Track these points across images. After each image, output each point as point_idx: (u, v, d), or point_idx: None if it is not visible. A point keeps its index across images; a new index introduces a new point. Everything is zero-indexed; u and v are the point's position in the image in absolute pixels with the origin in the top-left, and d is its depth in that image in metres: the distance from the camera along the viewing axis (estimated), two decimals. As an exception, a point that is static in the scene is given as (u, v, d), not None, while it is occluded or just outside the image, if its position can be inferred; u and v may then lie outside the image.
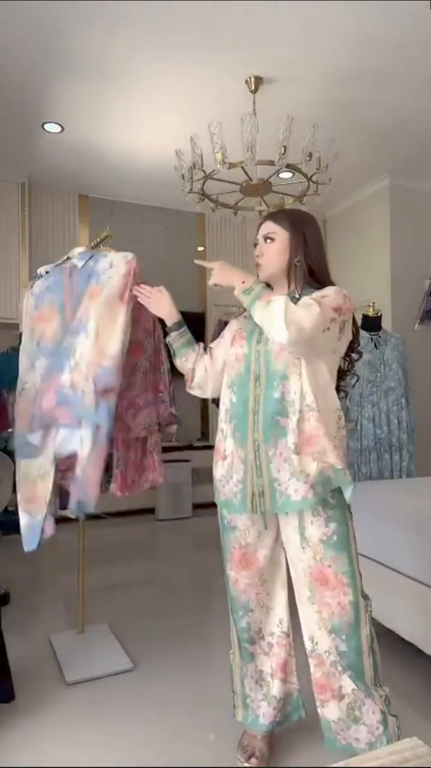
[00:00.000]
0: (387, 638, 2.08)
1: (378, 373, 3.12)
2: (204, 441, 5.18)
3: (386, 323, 3.99)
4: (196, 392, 1.71)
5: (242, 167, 3.01)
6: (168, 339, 1.69)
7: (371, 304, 3.24)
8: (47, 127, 3.80)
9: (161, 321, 1.76)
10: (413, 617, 2.01)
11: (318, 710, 1.52)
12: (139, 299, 1.75)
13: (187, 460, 4.88)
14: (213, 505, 1.63)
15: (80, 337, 1.80)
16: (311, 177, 3.15)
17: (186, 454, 4.93)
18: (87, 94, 3.40)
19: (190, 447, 5.02)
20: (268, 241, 1.55)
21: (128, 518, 4.66)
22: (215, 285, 1.55)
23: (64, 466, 1.92)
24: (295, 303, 1.44)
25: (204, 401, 1.64)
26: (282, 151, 2.90)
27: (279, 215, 1.59)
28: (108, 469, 2.11)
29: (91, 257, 1.96)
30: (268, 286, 1.60)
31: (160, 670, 2.18)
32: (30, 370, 1.97)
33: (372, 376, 3.10)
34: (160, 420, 2.19)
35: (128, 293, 1.77)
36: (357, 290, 3.99)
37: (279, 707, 1.64)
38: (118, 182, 4.74)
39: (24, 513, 1.95)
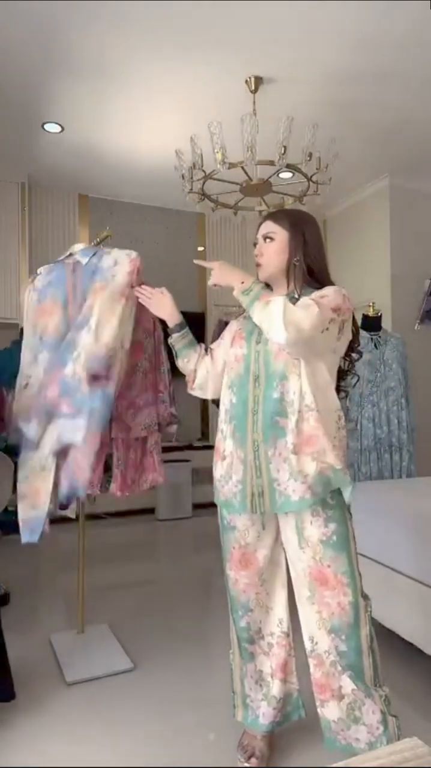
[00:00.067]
0: (387, 638, 2.08)
1: (378, 373, 3.12)
2: (204, 441, 5.18)
3: (386, 323, 4.00)
4: (197, 393, 1.71)
5: (242, 167, 3.01)
6: (170, 340, 1.70)
7: (371, 304, 3.24)
8: (47, 127, 3.80)
9: (162, 322, 1.76)
10: (413, 617, 2.01)
11: (318, 710, 1.52)
12: (140, 300, 1.76)
13: (187, 460, 4.88)
14: (213, 505, 1.63)
15: (83, 331, 1.84)
16: (311, 177, 3.15)
17: (186, 454, 4.93)
18: (87, 94, 3.40)
19: (190, 447, 5.02)
20: (267, 240, 1.55)
21: (128, 518, 4.66)
22: (215, 285, 1.55)
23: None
24: (294, 303, 1.44)
25: (204, 401, 1.64)
26: (282, 151, 2.90)
27: (279, 215, 1.59)
28: (108, 469, 2.12)
29: (94, 254, 1.99)
30: (267, 286, 1.60)
31: (160, 670, 2.18)
32: (33, 363, 1.99)
33: (372, 376, 3.10)
34: (160, 420, 2.19)
35: (129, 289, 1.82)
36: (357, 290, 4.00)
37: (279, 707, 1.64)
38: (118, 182, 4.74)
39: (26, 505, 1.97)
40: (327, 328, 1.39)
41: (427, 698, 1.94)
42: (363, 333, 2.99)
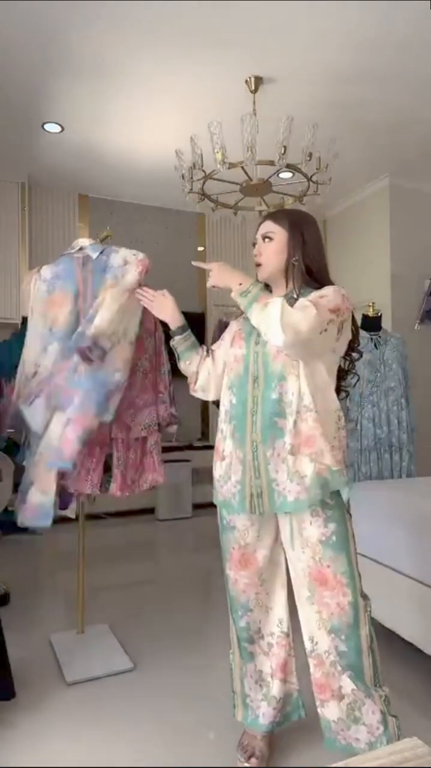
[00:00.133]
0: (387, 638, 2.08)
1: (378, 373, 3.12)
2: (204, 441, 5.18)
3: (386, 323, 3.99)
4: (199, 395, 1.71)
5: (242, 167, 3.01)
6: (172, 343, 1.70)
7: (371, 304, 3.24)
8: (47, 127, 3.80)
9: (164, 324, 1.77)
10: (413, 617, 2.01)
11: (318, 710, 1.52)
12: (142, 303, 1.77)
13: (187, 460, 4.88)
14: (213, 505, 1.63)
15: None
16: (311, 177, 3.15)
17: (186, 454, 4.93)
18: (87, 94, 3.40)
19: (190, 447, 5.02)
20: (266, 240, 1.56)
21: (128, 518, 4.66)
22: (213, 287, 1.55)
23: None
24: (293, 302, 1.44)
25: (204, 401, 1.66)
26: (282, 151, 2.90)
27: (278, 215, 1.60)
28: (108, 469, 2.12)
29: (103, 251, 2.05)
30: (267, 287, 1.60)
31: (160, 670, 2.18)
32: (42, 353, 2.01)
33: (372, 376, 3.10)
34: (160, 420, 2.19)
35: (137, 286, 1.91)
36: (356, 290, 4.00)
37: (279, 707, 1.64)
38: (118, 182, 4.73)
39: (36, 491, 1.98)
40: (326, 330, 1.39)
41: (427, 698, 1.94)
42: (363, 333, 2.98)
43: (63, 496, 2.14)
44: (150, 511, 4.80)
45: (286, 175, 3.37)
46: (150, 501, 4.71)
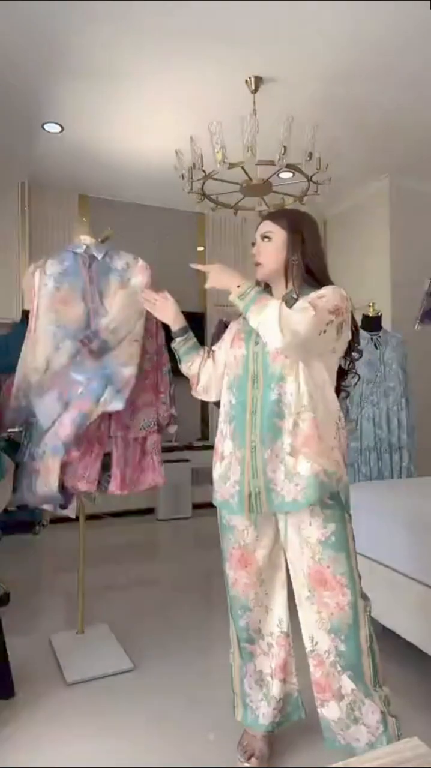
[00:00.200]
0: (386, 638, 2.08)
1: (378, 373, 3.12)
2: (204, 441, 5.18)
3: (386, 323, 3.99)
4: (201, 396, 1.72)
5: (242, 167, 3.01)
6: (173, 345, 1.70)
7: (371, 304, 3.24)
8: (47, 127, 3.79)
9: (165, 325, 1.77)
10: (413, 617, 2.01)
11: (318, 710, 1.52)
12: (144, 305, 1.77)
13: (187, 460, 4.88)
14: (213, 505, 1.63)
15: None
16: (311, 177, 3.15)
17: (186, 454, 4.93)
18: (87, 94, 3.40)
19: (190, 447, 5.02)
20: (265, 240, 1.56)
21: (128, 518, 4.66)
22: (211, 288, 1.56)
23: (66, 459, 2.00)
24: (293, 302, 1.44)
25: (204, 402, 1.66)
26: (282, 151, 2.90)
27: (277, 215, 1.60)
28: (105, 467, 2.12)
29: (106, 253, 2.12)
30: (266, 287, 1.61)
31: (160, 670, 2.18)
32: (55, 352, 2.03)
33: (372, 376, 3.10)
34: (160, 421, 2.19)
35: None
36: (356, 290, 3.98)
37: (279, 707, 1.64)
38: (118, 182, 4.73)
39: (41, 483, 2.03)
40: (325, 330, 1.39)
41: (427, 698, 1.94)
42: (363, 333, 2.98)
43: (63, 495, 2.14)
44: (150, 511, 4.80)
45: (286, 175, 3.37)
46: (150, 501, 4.71)
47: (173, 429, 2.26)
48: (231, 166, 2.96)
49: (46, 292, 2.06)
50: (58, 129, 3.82)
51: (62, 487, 2.02)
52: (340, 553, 1.44)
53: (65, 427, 1.94)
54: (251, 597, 1.60)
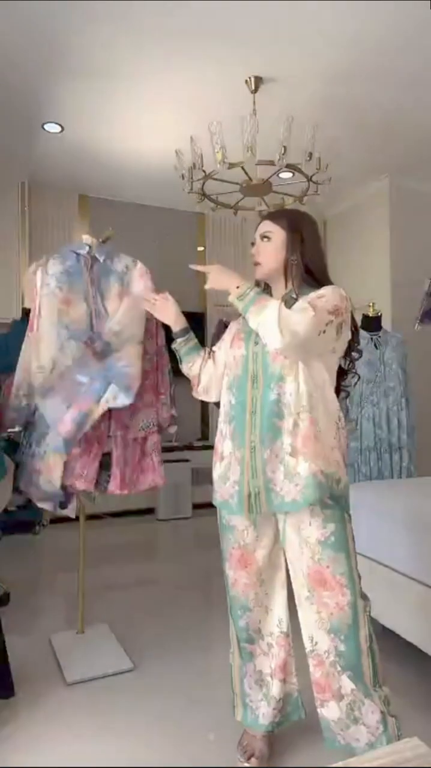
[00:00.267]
0: (386, 638, 2.08)
1: (378, 373, 3.11)
2: (204, 441, 5.17)
3: (386, 323, 3.99)
4: (202, 397, 1.72)
5: (242, 167, 3.01)
6: (174, 345, 1.71)
7: (371, 304, 3.24)
8: (47, 127, 3.79)
9: (166, 326, 1.77)
10: (413, 617, 2.01)
11: (318, 710, 1.52)
12: (145, 306, 1.77)
13: (187, 460, 4.88)
14: (213, 505, 1.63)
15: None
16: (311, 177, 3.15)
17: (186, 454, 4.93)
18: (87, 94, 3.40)
19: (190, 447, 5.02)
20: (265, 239, 1.56)
21: (128, 518, 4.66)
22: (211, 289, 1.56)
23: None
24: (293, 302, 1.44)
25: (204, 402, 1.67)
26: (282, 151, 2.90)
27: (277, 215, 1.61)
28: (103, 467, 2.12)
29: (107, 255, 2.14)
30: (266, 287, 1.61)
31: (160, 670, 2.18)
32: (60, 352, 2.04)
33: (371, 376, 3.10)
34: (161, 421, 2.19)
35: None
36: (356, 290, 3.99)
37: (279, 707, 1.64)
38: (118, 182, 4.73)
39: (44, 480, 2.04)
40: (324, 331, 1.39)
41: (427, 698, 1.94)
42: (363, 333, 2.98)
43: (62, 494, 2.14)
44: (150, 511, 4.80)
45: (286, 175, 3.37)
46: (150, 501, 4.71)
47: (173, 429, 2.26)
48: (231, 166, 2.96)
49: (48, 291, 2.07)
50: (58, 129, 3.82)
51: (62, 485, 2.02)
52: (340, 553, 1.44)
53: (65, 424, 1.95)
54: (251, 597, 1.60)
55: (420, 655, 2.02)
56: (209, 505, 1.68)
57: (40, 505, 2.12)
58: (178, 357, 1.71)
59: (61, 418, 1.97)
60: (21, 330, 2.11)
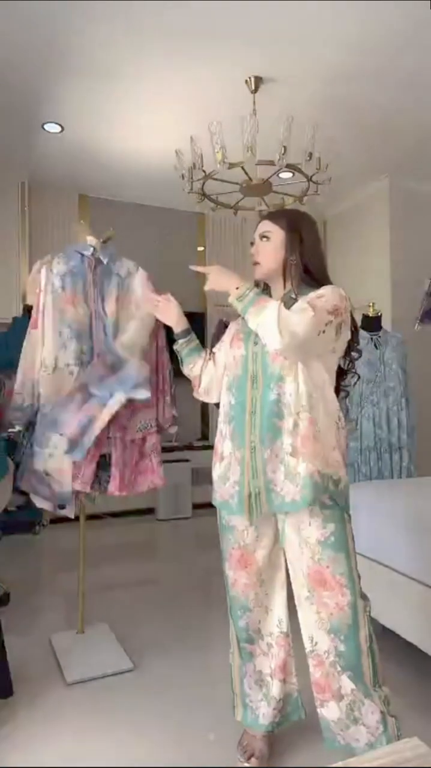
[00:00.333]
0: (386, 638, 2.08)
1: (378, 373, 3.11)
2: (204, 441, 5.17)
3: (386, 323, 3.99)
4: (203, 398, 1.72)
5: (242, 167, 3.00)
6: (176, 346, 1.71)
7: (371, 304, 3.24)
8: (47, 127, 3.79)
9: (167, 327, 1.78)
10: (413, 617, 2.01)
11: (318, 710, 1.52)
12: (147, 306, 1.78)
13: (187, 460, 4.88)
14: (213, 505, 1.63)
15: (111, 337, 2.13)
16: (311, 177, 3.15)
17: (186, 454, 4.93)
18: (87, 94, 3.40)
19: (190, 447, 5.02)
20: (264, 239, 1.56)
21: (128, 518, 4.66)
22: (211, 290, 1.56)
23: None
24: (292, 302, 1.44)
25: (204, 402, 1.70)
26: (282, 151, 2.90)
27: (276, 215, 1.60)
28: (107, 468, 2.12)
29: (110, 257, 2.18)
30: (266, 287, 1.61)
31: (160, 670, 2.18)
32: (62, 350, 2.07)
33: (372, 376, 3.10)
34: (162, 421, 2.20)
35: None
36: (356, 290, 3.99)
37: (279, 707, 1.64)
38: (118, 182, 4.73)
39: (54, 483, 2.07)
40: (324, 331, 1.39)
41: (427, 698, 1.94)
42: (363, 333, 2.98)
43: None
44: (150, 511, 4.80)
45: (286, 175, 3.37)
46: (150, 501, 4.71)
47: (174, 430, 2.26)
48: (231, 166, 2.96)
49: (52, 290, 2.08)
50: (58, 129, 3.82)
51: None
52: (339, 553, 1.44)
53: (70, 427, 1.98)
54: (251, 597, 1.60)
55: (419, 655, 2.02)
56: (209, 505, 1.68)
57: (39, 505, 2.12)
58: (179, 358, 1.71)
59: (69, 423, 2.00)
60: (22, 327, 2.11)
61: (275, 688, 1.63)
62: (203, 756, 1.67)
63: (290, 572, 1.55)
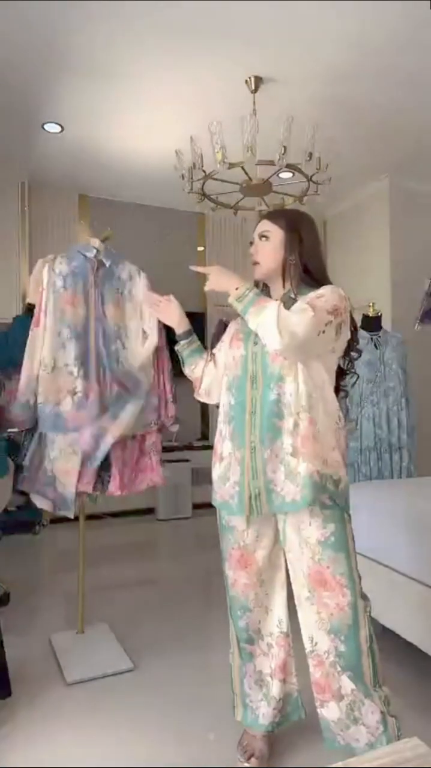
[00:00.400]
0: (386, 638, 2.08)
1: (378, 373, 3.11)
2: (204, 441, 5.17)
3: (386, 323, 3.99)
4: (203, 399, 1.72)
5: (242, 167, 3.00)
6: (177, 347, 1.71)
7: (371, 304, 3.24)
8: (47, 127, 3.79)
9: (168, 328, 1.78)
10: (413, 617, 2.01)
11: (318, 710, 1.52)
12: (148, 306, 1.78)
13: (187, 460, 4.88)
14: (213, 505, 1.63)
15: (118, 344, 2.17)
16: (311, 177, 3.15)
17: (186, 454, 4.92)
18: (87, 94, 3.40)
19: (190, 447, 5.02)
20: (263, 239, 1.56)
21: (128, 518, 4.66)
22: (211, 290, 1.56)
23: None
24: (292, 302, 1.44)
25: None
26: (282, 151, 2.90)
27: (275, 214, 1.60)
28: (107, 468, 2.12)
29: (112, 260, 2.19)
30: (266, 288, 1.61)
31: (160, 670, 2.18)
32: (61, 350, 2.08)
33: (372, 376, 3.10)
34: (163, 421, 2.20)
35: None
36: (357, 290, 3.99)
37: (279, 707, 1.64)
38: (118, 182, 4.73)
39: (59, 484, 2.06)
40: (323, 331, 1.39)
41: (427, 698, 1.94)
42: (363, 333, 2.98)
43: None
44: (150, 511, 4.80)
45: (286, 175, 3.37)
46: (150, 501, 4.71)
47: (175, 428, 2.26)
48: (231, 166, 2.96)
49: (54, 289, 2.09)
50: (58, 129, 3.82)
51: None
52: (340, 554, 1.44)
53: (84, 436, 2.02)
54: (251, 597, 1.60)
55: (419, 655, 2.02)
56: (209, 505, 1.68)
57: (40, 505, 2.12)
58: (180, 359, 1.71)
59: (83, 434, 2.04)
60: (23, 325, 2.10)
61: (275, 688, 1.63)
62: (203, 756, 1.67)
63: (291, 572, 1.55)
